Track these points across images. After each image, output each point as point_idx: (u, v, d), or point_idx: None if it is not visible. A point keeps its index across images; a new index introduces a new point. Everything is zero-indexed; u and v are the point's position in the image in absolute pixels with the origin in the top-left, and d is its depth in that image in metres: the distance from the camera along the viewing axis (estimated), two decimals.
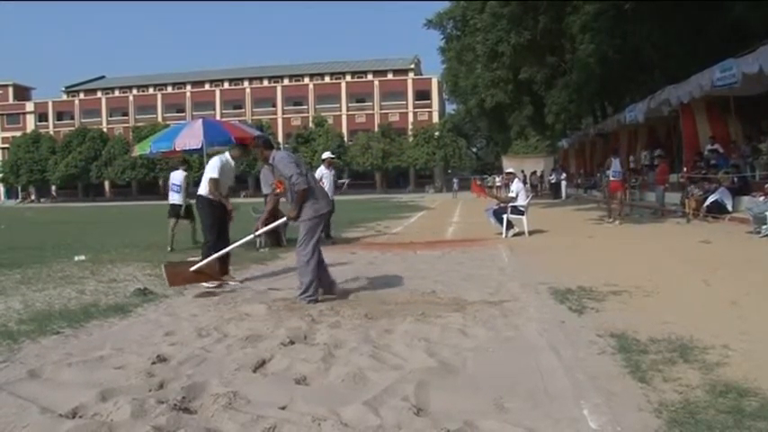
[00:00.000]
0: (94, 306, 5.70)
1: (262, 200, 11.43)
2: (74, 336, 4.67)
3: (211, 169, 7.11)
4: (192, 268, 6.45)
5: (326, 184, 12.13)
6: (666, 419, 2.70)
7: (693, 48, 18.90)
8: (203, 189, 7.15)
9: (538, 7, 22.82)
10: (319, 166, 12.32)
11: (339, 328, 4.70)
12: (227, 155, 7.37)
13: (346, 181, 21.79)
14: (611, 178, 15.30)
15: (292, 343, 4.23)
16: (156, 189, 72.85)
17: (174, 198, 11.47)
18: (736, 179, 14.31)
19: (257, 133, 11.69)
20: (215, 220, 7.14)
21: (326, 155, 12.86)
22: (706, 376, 3.23)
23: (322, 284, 6.07)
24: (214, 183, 7.06)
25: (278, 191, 6.07)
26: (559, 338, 4.19)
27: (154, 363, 3.83)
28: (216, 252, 6.77)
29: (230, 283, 7.03)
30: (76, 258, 9.47)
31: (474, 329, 4.55)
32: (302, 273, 5.90)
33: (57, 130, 78.06)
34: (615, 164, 16.25)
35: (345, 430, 2.72)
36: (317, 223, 6.02)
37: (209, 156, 7.62)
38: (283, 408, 3.02)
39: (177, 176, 11.37)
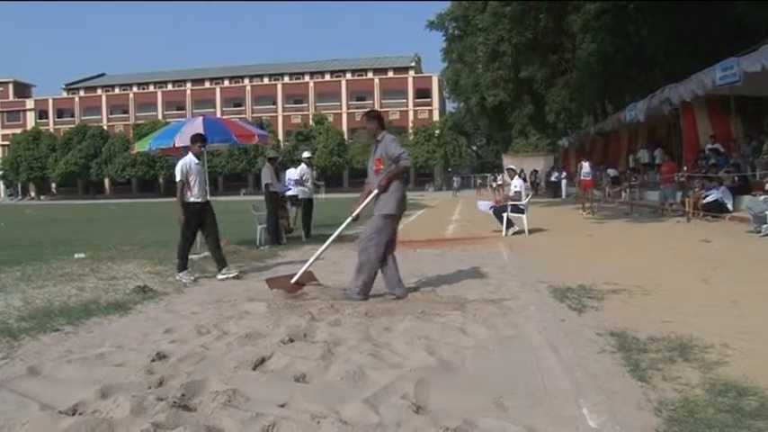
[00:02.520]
0: (94, 303, 5.71)
1: (261, 197, 11.51)
2: (74, 333, 4.67)
3: (177, 173, 7.39)
4: (293, 280, 6.23)
5: (310, 183, 12.46)
6: (666, 418, 2.70)
7: (695, 47, 18.89)
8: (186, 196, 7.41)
9: (539, 7, 22.81)
10: (300, 164, 12.79)
11: (339, 325, 4.70)
12: (188, 156, 7.55)
13: (322, 183, 23.51)
14: (582, 178, 17.92)
15: (292, 341, 4.22)
16: (156, 187, 72.97)
17: (293, 191, 13.23)
18: (736, 178, 14.30)
19: (260, 131, 11.70)
20: (189, 224, 7.42)
21: (307, 154, 13.49)
22: (705, 375, 3.23)
23: (389, 283, 5.88)
24: (181, 185, 7.32)
25: (375, 169, 5.88)
26: (559, 337, 4.19)
27: (153, 360, 3.82)
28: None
29: (230, 275, 7.30)
30: (76, 256, 9.48)
31: (474, 328, 4.55)
32: (362, 269, 5.73)
33: (57, 127, 78.11)
34: (585, 166, 20.29)
35: (345, 428, 2.71)
36: (391, 222, 5.88)
37: (209, 153, 7.66)
38: (283, 405, 3.02)
39: (292, 173, 13.34)
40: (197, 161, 7.49)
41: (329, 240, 6.36)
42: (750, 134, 16.55)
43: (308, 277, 6.39)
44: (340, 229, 6.24)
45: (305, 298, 5.84)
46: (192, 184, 7.35)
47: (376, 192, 5.81)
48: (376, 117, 6.09)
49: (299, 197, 12.52)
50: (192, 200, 7.37)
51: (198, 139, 7.69)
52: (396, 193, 5.79)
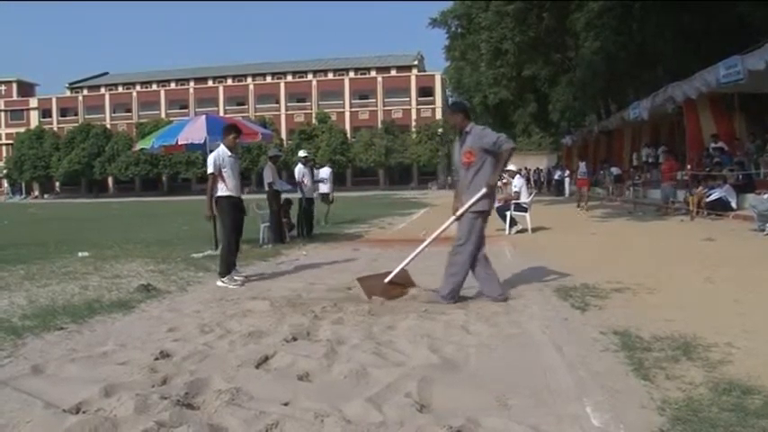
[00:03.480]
0: (98, 302, 5.71)
1: (264, 196, 11.51)
2: (77, 331, 4.68)
3: (208, 165, 7.02)
4: (386, 279, 5.92)
5: (307, 182, 12.45)
6: (669, 417, 2.69)
7: (698, 45, 18.84)
8: (221, 190, 6.99)
9: (542, 5, 22.79)
10: (297, 164, 12.83)
11: (342, 324, 4.70)
12: (221, 147, 7.14)
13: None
14: (578, 177, 18.69)
15: (295, 339, 4.23)
16: (159, 185, 73.08)
17: (324, 188, 15.42)
18: (740, 176, 14.27)
19: (263, 130, 11.71)
20: (233, 220, 7.04)
21: (302, 153, 13.54)
22: (709, 374, 3.22)
23: (486, 288, 5.55)
24: (212, 179, 6.95)
25: (466, 161, 5.45)
26: (562, 336, 4.19)
27: (157, 358, 3.83)
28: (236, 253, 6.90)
29: (236, 278, 7.00)
30: (80, 254, 9.49)
31: (477, 326, 4.54)
32: (454, 272, 5.43)
33: (60, 126, 78.19)
34: (582, 166, 21.58)
35: (348, 427, 2.71)
36: (484, 219, 5.56)
37: (212, 151, 7.59)
38: (286, 404, 3.02)
39: (324, 172, 15.28)
40: (230, 153, 7.09)
41: (431, 239, 5.94)
42: (754, 132, 16.51)
43: (404, 277, 6.04)
44: (441, 229, 5.83)
45: (402, 299, 5.61)
46: (226, 177, 6.96)
47: (484, 191, 5.34)
48: (461, 109, 5.78)
49: (307, 196, 12.54)
50: (227, 193, 6.98)
51: (232, 130, 7.27)
52: (488, 196, 5.48)
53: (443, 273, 5.55)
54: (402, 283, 5.98)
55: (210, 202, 7.03)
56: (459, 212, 5.50)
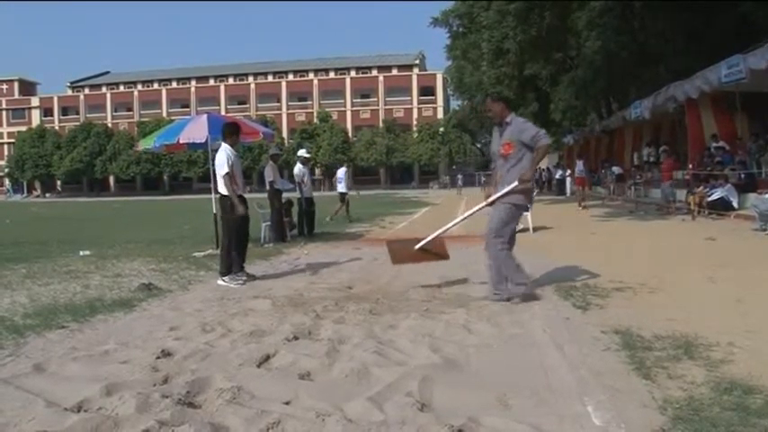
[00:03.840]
0: (99, 301, 5.72)
1: (265, 195, 11.52)
2: (79, 330, 4.69)
3: (220, 165, 6.90)
4: (417, 246, 5.86)
5: (307, 182, 12.41)
6: (671, 416, 2.69)
7: (700, 44, 18.82)
8: (225, 188, 6.91)
9: (543, 4, 22.74)
10: (296, 163, 12.67)
11: (343, 323, 4.70)
12: (226, 146, 7.06)
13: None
14: (576, 176, 20.73)
15: (296, 338, 4.23)
16: (161, 185, 73.13)
17: (341, 188, 17.20)
18: (742, 176, 14.25)
19: (264, 129, 11.70)
20: (237, 219, 6.96)
21: (302, 152, 13.47)
22: (711, 373, 3.22)
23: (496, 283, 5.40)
24: (229, 178, 6.87)
25: (503, 153, 5.33)
26: (564, 335, 4.18)
27: (158, 357, 3.83)
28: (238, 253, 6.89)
29: (238, 278, 6.95)
30: (81, 253, 9.50)
31: (478, 326, 4.54)
32: (504, 266, 5.28)
33: (62, 125, 78.33)
34: (579, 165, 22.30)
35: (349, 426, 2.71)
36: (519, 212, 5.51)
37: (214, 151, 7.56)
38: (287, 403, 3.02)
39: (341, 171, 17.39)
40: (235, 152, 7.07)
41: (469, 213, 6.09)
42: (756, 132, 16.48)
43: (438, 246, 5.86)
44: (470, 213, 5.98)
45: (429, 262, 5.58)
46: (236, 176, 6.95)
47: (516, 184, 5.23)
48: (502, 98, 5.55)
49: (306, 196, 12.52)
50: (238, 193, 6.95)
51: (234, 129, 7.28)
52: (524, 189, 5.34)
53: (490, 275, 5.46)
54: (435, 253, 5.85)
55: (236, 200, 6.87)
56: (490, 199, 5.46)
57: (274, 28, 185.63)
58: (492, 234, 5.39)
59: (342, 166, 19.62)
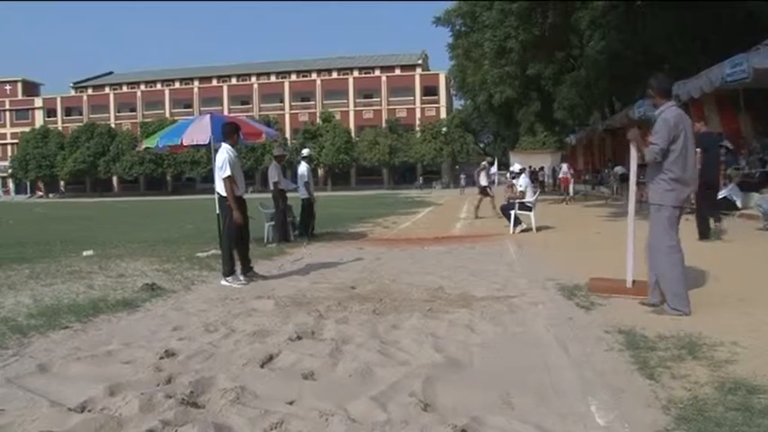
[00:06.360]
0: (103, 301, 5.72)
1: (269, 195, 11.51)
2: (82, 330, 4.70)
3: (220, 167, 6.85)
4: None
5: (310, 182, 12.22)
6: (675, 416, 2.69)
7: (703, 43, 18.76)
8: (225, 190, 6.85)
9: (546, 3, 22.70)
10: (301, 163, 12.37)
11: (346, 323, 4.70)
12: (226, 147, 7.00)
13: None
14: (561, 176, 24.76)
15: (300, 338, 4.23)
16: (164, 185, 73.24)
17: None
18: (758, 174, 14.20)
19: (268, 129, 11.68)
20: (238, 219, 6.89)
21: (306, 151, 13.19)
22: (715, 373, 3.21)
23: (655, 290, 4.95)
24: (230, 181, 6.81)
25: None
26: (567, 335, 4.18)
27: (162, 357, 3.84)
28: (238, 253, 6.89)
29: (241, 278, 6.98)
30: (85, 253, 9.51)
31: (481, 325, 4.54)
32: (669, 278, 4.73)
33: (65, 125, 78.48)
34: (564, 167, 26.98)
35: (353, 425, 2.71)
36: (676, 212, 4.95)
37: (215, 151, 7.55)
38: (291, 403, 3.02)
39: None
40: (235, 153, 7.02)
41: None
42: (760, 131, 16.41)
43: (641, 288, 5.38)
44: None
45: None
46: (236, 177, 6.90)
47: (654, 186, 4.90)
48: (658, 84, 4.99)
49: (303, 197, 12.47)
50: (237, 194, 6.92)
51: (234, 129, 7.23)
52: (669, 186, 4.89)
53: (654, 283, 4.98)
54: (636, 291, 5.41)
55: (234, 206, 6.82)
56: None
57: (277, 28, 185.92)
58: (654, 239, 5.06)
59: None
